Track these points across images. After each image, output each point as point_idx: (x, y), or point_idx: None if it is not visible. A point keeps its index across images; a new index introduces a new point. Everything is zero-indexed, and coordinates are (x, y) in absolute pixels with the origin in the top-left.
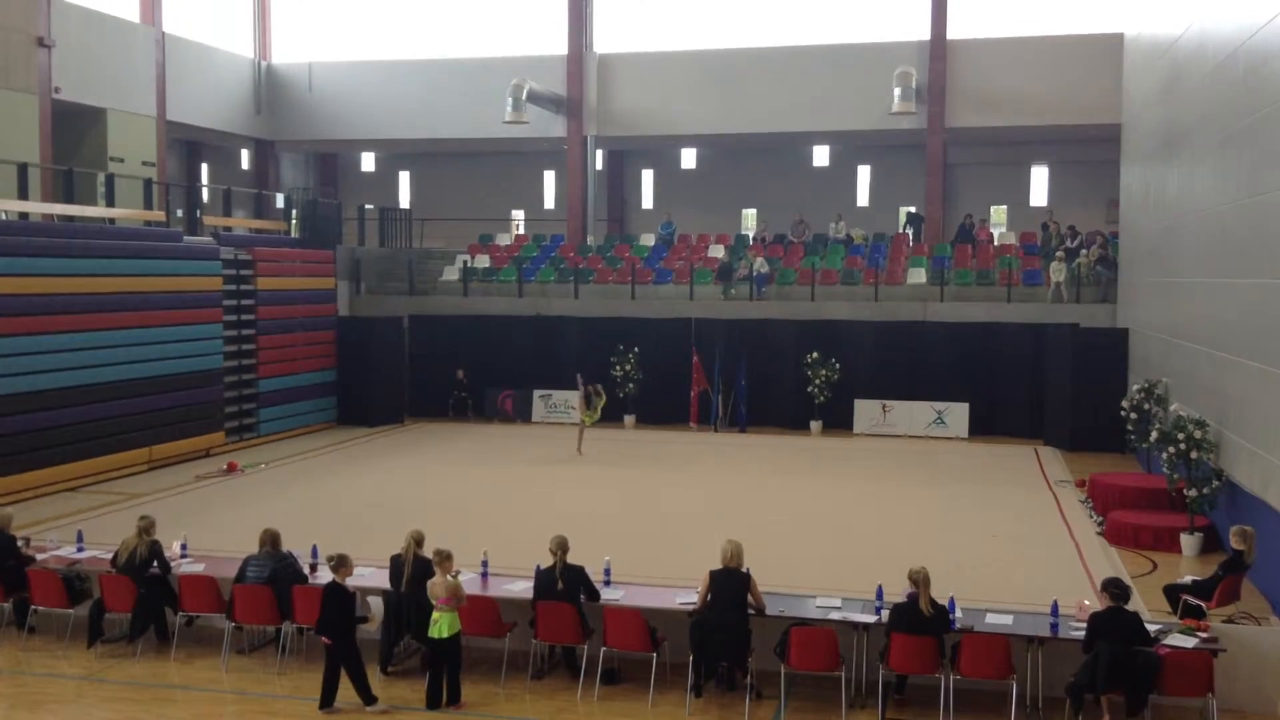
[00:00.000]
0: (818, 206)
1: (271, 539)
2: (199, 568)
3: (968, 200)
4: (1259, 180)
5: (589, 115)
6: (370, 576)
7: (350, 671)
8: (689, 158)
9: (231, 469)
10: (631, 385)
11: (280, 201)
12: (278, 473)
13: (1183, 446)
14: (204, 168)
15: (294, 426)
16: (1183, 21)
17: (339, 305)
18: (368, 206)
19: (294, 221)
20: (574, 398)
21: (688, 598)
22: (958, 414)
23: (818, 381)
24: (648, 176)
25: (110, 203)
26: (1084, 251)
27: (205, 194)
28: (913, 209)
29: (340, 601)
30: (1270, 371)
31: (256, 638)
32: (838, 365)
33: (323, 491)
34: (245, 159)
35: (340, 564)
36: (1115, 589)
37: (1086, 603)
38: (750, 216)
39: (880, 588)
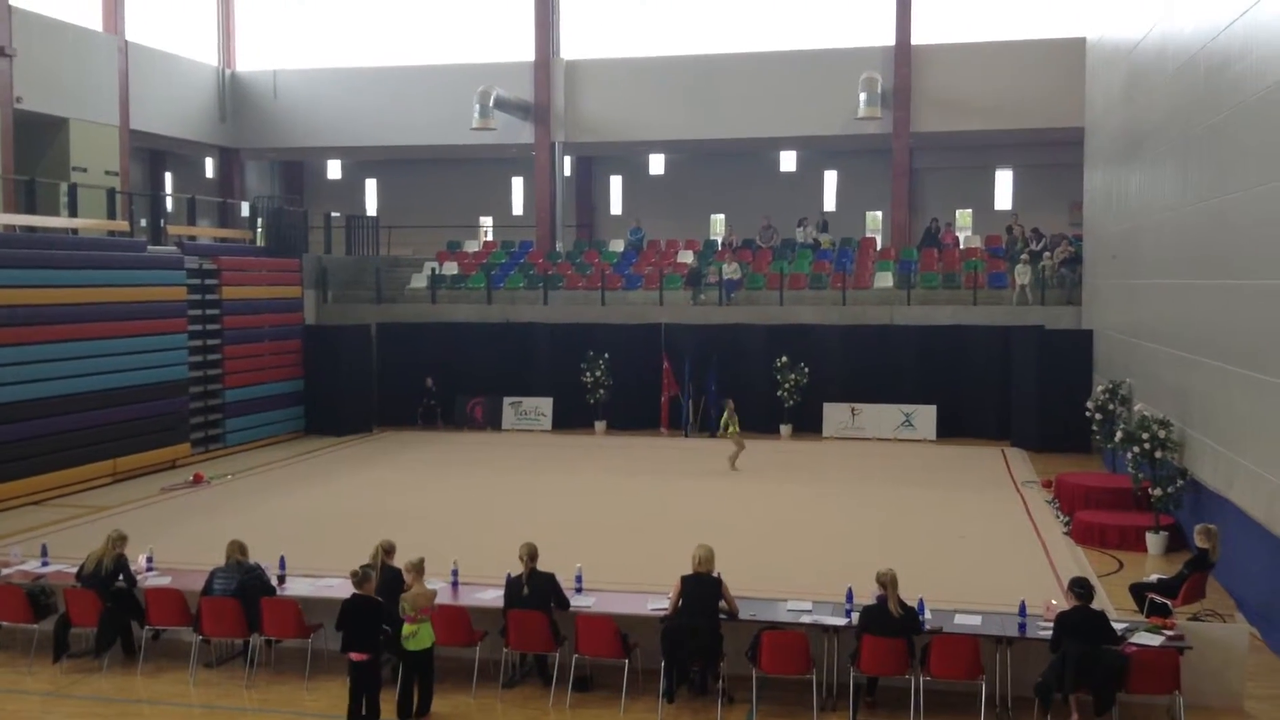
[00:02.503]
0: (785, 211)
1: (238, 550)
2: (165, 580)
3: (933, 204)
4: (1220, 182)
5: (557, 121)
6: (338, 587)
7: (372, 691)
8: (657, 163)
9: (198, 480)
10: (602, 391)
11: (245, 210)
12: (245, 484)
13: (1147, 446)
14: (168, 176)
15: (261, 437)
16: (1144, 26)
17: (305, 314)
18: (334, 214)
19: (259, 230)
20: (544, 404)
21: (659, 603)
22: (925, 416)
23: (787, 386)
24: (616, 182)
25: (73, 213)
26: (1048, 254)
27: (169, 203)
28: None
29: (370, 615)
30: (1232, 371)
31: (224, 651)
32: (807, 369)
33: (290, 502)
34: (210, 167)
35: (364, 579)
36: (1081, 588)
37: (1054, 602)
38: (718, 221)
39: (850, 590)
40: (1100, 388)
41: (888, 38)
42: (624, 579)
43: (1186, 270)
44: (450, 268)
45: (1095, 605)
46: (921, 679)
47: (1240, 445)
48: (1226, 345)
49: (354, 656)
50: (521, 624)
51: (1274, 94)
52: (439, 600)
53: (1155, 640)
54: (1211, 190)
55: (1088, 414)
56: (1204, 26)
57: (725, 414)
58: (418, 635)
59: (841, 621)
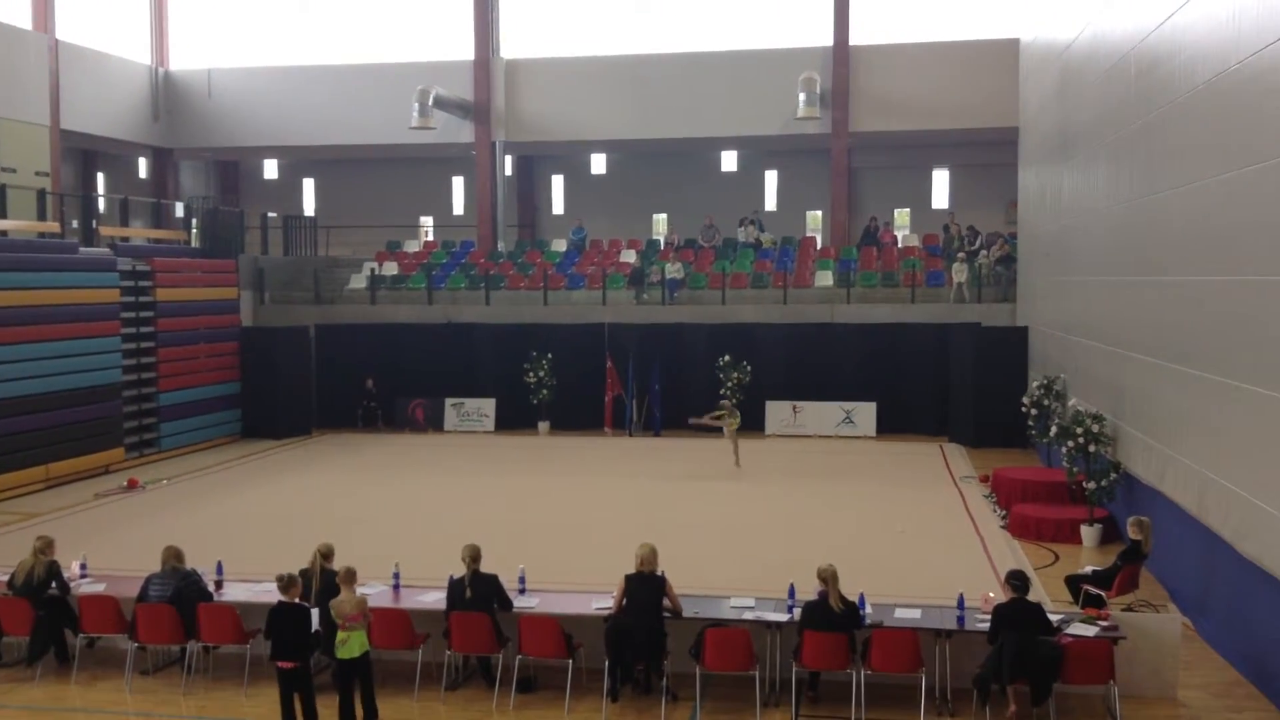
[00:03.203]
0: (727, 211)
1: (174, 556)
2: (99, 587)
3: (872, 203)
4: (1151, 180)
5: (497, 121)
6: (276, 592)
7: (307, 698)
8: (599, 163)
9: (132, 485)
10: (545, 391)
11: (180, 210)
12: (181, 488)
13: (1081, 440)
14: (100, 177)
15: (197, 441)
16: (1076, 26)
17: (242, 316)
18: (271, 214)
19: (194, 231)
20: (486, 405)
21: (603, 603)
22: (865, 413)
23: (730, 384)
24: (558, 182)
25: (2, 214)
26: (984, 252)
27: (101, 204)
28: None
29: (298, 622)
30: (1163, 366)
31: (160, 658)
32: (749, 368)
33: (227, 506)
34: (143, 167)
35: (290, 583)
36: (1017, 581)
37: (991, 595)
38: (661, 221)
39: (792, 586)
40: (1035, 383)
41: (826, 38)
42: (568, 579)
43: (1118, 268)
44: (390, 268)
45: (1031, 597)
46: (862, 673)
47: (1172, 439)
48: (1157, 341)
49: (282, 665)
50: (464, 626)
51: (1202, 94)
52: (378, 604)
53: (1090, 631)
54: (1142, 189)
55: (1023, 409)
56: (1134, 28)
57: (723, 412)
58: (348, 644)
59: (784, 617)
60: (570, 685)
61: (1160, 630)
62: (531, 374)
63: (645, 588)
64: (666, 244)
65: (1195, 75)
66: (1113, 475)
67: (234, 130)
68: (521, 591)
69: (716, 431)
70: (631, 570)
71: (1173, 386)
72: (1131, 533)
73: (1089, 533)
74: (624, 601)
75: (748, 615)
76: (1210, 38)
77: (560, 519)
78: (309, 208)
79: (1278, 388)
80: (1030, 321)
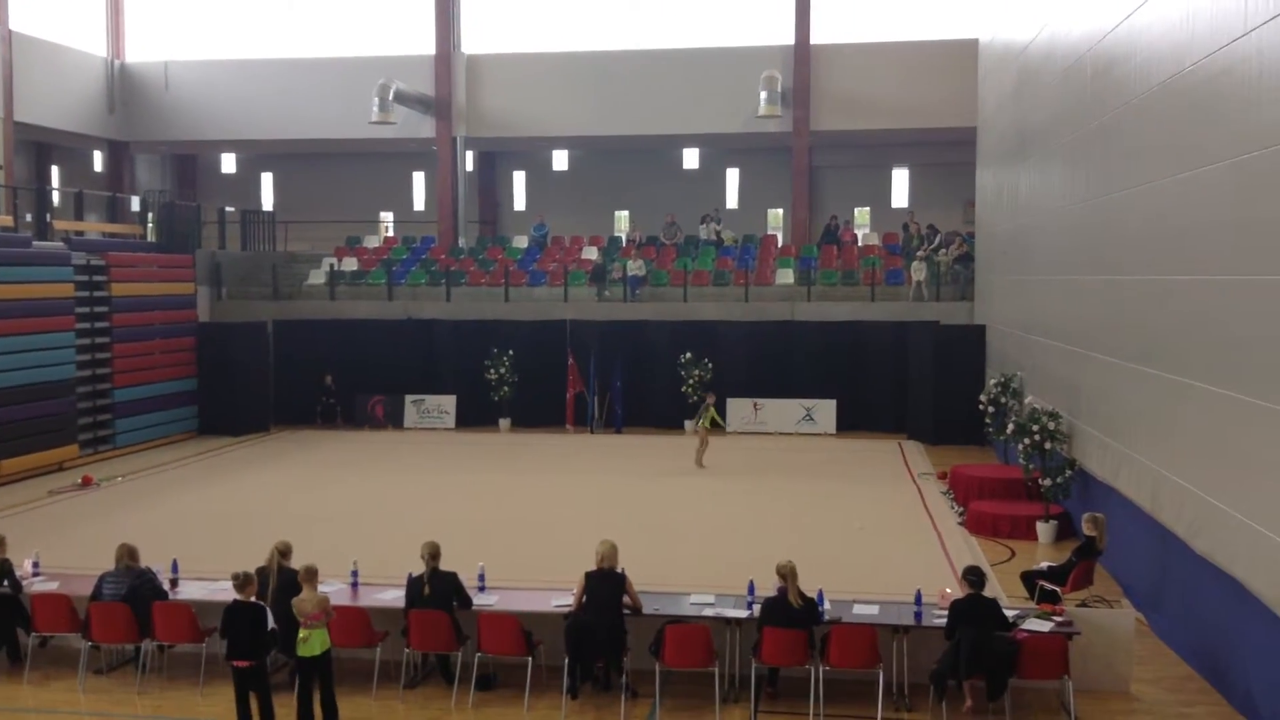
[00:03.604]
0: (689, 208)
1: (129, 554)
2: (52, 586)
3: (833, 202)
4: (1107, 181)
5: (458, 116)
6: (232, 591)
7: (263, 697)
8: (561, 159)
9: (86, 483)
10: (506, 388)
11: (136, 204)
12: (136, 486)
13: (1037, 438)
14: (54, 170)
15: (153, 438)
16: (1033, 27)
17: (199, 311)
18: (228, 209)
19: (150, 225)
20: (447, 402)
21: (563, 600)
22: (825, 410)
23: (691, 381)
24: (519, 178)
25: None
26: (943, 251)
27: (56, 197)
28: None
29: (252, 621)
30: (1119, 365)
31: (115, 657)
32: (710, 365)
33: (183, 504)
34: (99, 161)
35: (246, 582)
36: (973, 577)
37: (948, 591)
38: (623, 218)
39: (751, 583)
40: (993, 381)
41: (787, 37)
42: (528, 576)
43: (1074, 267)
44: (350, 264)
45: (987, 593)
46: (821, 669)
47: (1126, 436)
48: (1113, 340)
49: (237, 664)
50: (423, 624)
51: (1157, 96)
52: (336, 602)
53: (1045, 626)
54: (1098, 189)
55: (981, 407)
56: (1091, 29)
57: (704, 408)
58: (309, 642)
59: (743, 614)
60: (530, 683)
61: (1114, 625)
62: (492, 371)
63: (605, 585)
64: (628, 241)
65: (1151, 76)
66: (1068, 472)
67: (191, 123)
68: (481, 589)
69: (676, 428)
70: (592, 567)
71: (1128, 385)
72: (1086, 529)
73: (1045, 529)
74: (584, 599)
75: (707, 612)
76: (1165, 39)
77: (521, 516)
78: (267, 202)
79: (1230, 386)
80: (988, 320)
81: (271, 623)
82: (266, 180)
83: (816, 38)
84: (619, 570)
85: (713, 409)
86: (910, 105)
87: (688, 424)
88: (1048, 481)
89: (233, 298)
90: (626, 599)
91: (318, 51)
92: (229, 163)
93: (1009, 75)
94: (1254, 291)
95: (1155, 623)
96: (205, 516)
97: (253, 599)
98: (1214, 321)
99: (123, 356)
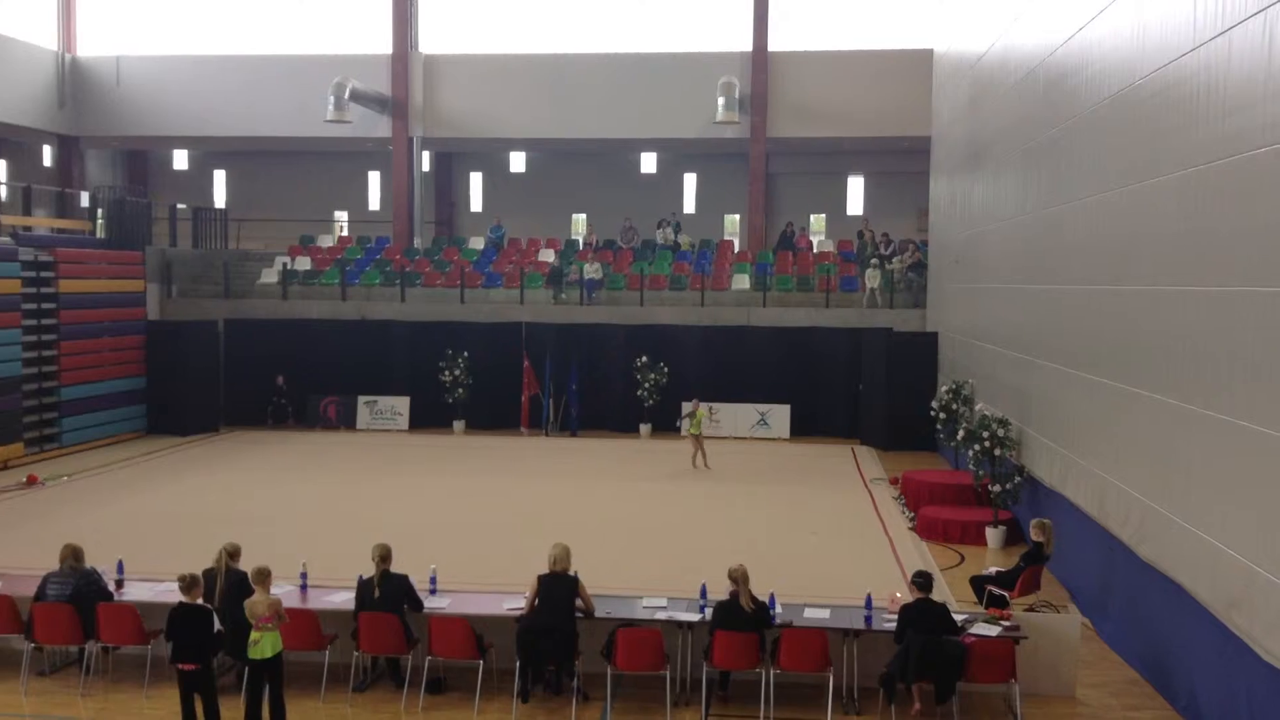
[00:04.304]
0: (646, 212)
1: (74, 554)
2: None
3: (789, 208)
4: (1056, 191)
5: (415, 116)
6: (177, 592)
7: (208, 700)
8: (518, 161)
9: (31, 482)
10: (461, 390)
11: (85, 200)
12: (82, 485)
13: (987, 444)
14: (2, 164)
15: (100, 436)
16: (987, 39)
17: (148, 309)
18: (180, 206)
19: (100, 221)
20: (400, 403)
21: (516, 603)
22: (780, 415)
23: (647, 385)
24: (476, 179)
25: None
26: (897, 259)
27: (3, 192)
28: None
29: (199, 623)
30: (1066, 372)
31: (58, 658)
32: (666, 369)
33: (130, 504)
34: (48, 155)
35: (193, 584)
36: (922, 581)
37: (898, 595)
38: (580, 221)
39: (704, 586)
40: (944, 388)
41: (745, 43)
42: (481, 579)
43: (1025, 276)
44: (303, 263)
45: (937, 597)
46: (772, 672)
47: (1074, 443)
48: (1061, 348)
49: (183, 667)
50: (373, 626)
51: (1107, 108)
52: (287, 604)
53: (993, 631)
54: (1048, 199)
55: (932, 413)
56: (1044, 42)
57: (692, 411)
58: (260, 644)
59: (695, 617)
60: (480, 686)
61: (1061, 630)
62: (447, 372)
63: (558, 588)
64: (585, 244)
65: (1102, 89)
66: (1017, 478)
67: (143, 119)
68: (433, 592)
69: (631, 432)
70: (545, 570)
71: (1075, 392)
72: (1034, 535)
73: (994, 534)
74: (536, 602)
75: (660, 615)
76: (1117, 53)
77: (474, 519)
78: (220, 200)
79: (1174, 395)
80: (940, 327)
81: (218, 625)
82: (219, 177)
83: (774, 45)
84: (572, 573)
85: (702, 412)
86: (866, 114)
87: (681, 425)
88: (997, 487)
89: (183, 296)
90: (579, 602)
91: (273, 49)
92: (181, 159)
93: (963, 86)
94: (1198, 302)
95: (1101, 627)
96: (152, 517)
97: (199, 601)
98: (1159, 331)
99: (70, 354)
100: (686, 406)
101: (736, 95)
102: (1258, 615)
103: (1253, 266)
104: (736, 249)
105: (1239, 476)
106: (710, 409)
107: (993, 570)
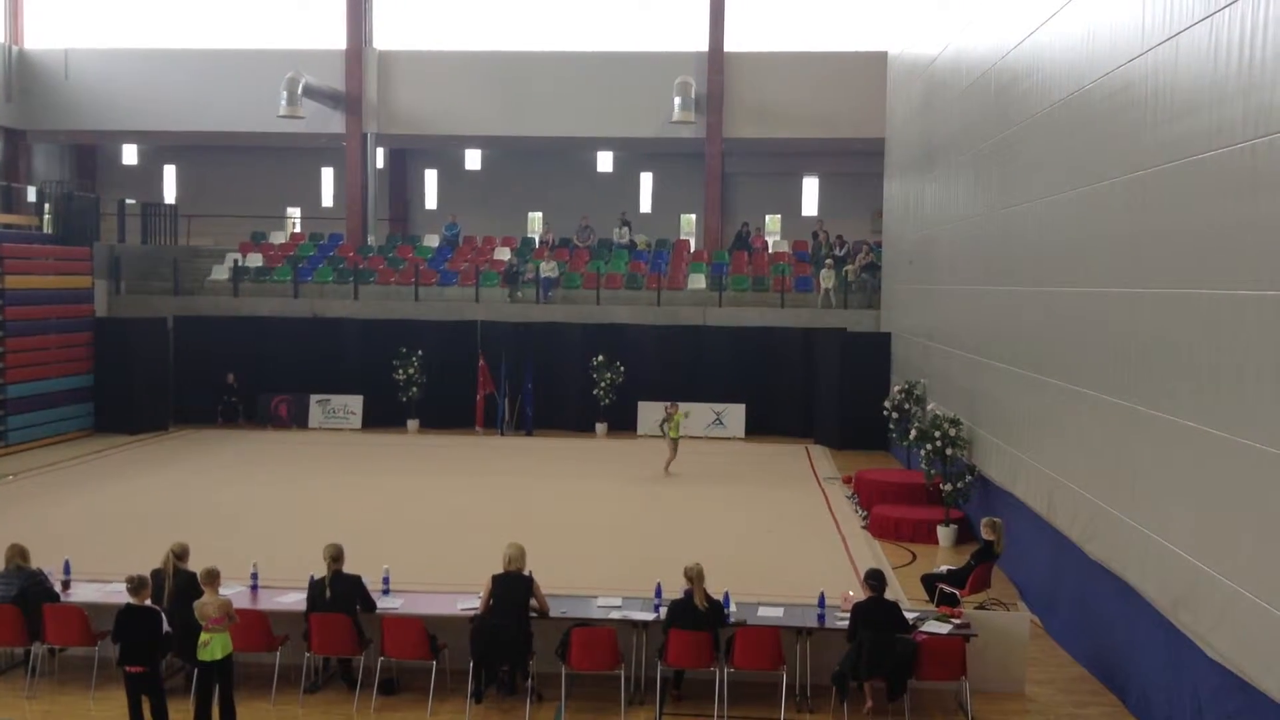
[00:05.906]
0: (603, 211)
1: (19, 554)
2: None
3: (744, 209)
4: (1008, 193)
5: (369, 112)
6: (124, 593)
7: (156, 702)
8: (473, 159)
9: None
10: (415, 389)
11: (32, 195)
12: (28, 484)
13: (939, 443)
14: None
15: (46, 435)
16: (940, 42)
17: (96, 306)
18: (129, 201)
19: (47, 216)
20: (353, 402)
21: (470, 603)
22: (735, 415)
23: (603, 384)
24: (431, 176)
25: None
26: (851, 260)
27: None
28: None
29: (147, 625)
30: (1017, 373)
31: (3, 660)
32: (622, 368)
33: (77, 504)
34: None
35: (140, 586)
36: (874, 580)
37: (851, 593)
38: (536, 220)
39: (659, 585)
40: (897, 388)
41: (701, 44)
42: (434, 579)
43: (976, 277)
44: (254, 259)
45: (888, 596)
46: (726, 670)
47: (1024, 443)
48: (1011, 348)
49: (130, 669)
50: (324, 627)
51: (1056, 111)
52: (237, 605)
53: (944, 629)
54: (999, 201)
55: (885, 413)
56: (995, 45)
57: (669, 415)
58: (210, 646)
59: (649, 616)
60: (434, 687)
61: (1010, 628)
62: (401, 371)
63: (512, 588)
64: (541, 243)
65: (1052, 93)
66: (968, 478)
67: (92, 113)
68: (386, 592)
69: (587, 431)
70: (499, 570)
71: (1025, 392)
72: (984, 533)
73: (945, 533)
74: (490, 602)
75: (614, 614)
76: (1066, 57)
77: (427, 519)
78: (170, 195)
79: (1121, 395)
80: (893, 328)
81: (167, 626)
82: (169, 173)
83: (730, 45)
84: (526, 573)
85: (679, 415)
86: (821, 115)
87: (666, 426)
88: (949, 486)
89: (132, 292)
90: (534, 602)
91: (225, 42)
92: (130, 154)
93: (917, 88)
94: (1144, 303)
95: (1050, 625)
96: (100, 517)
97: (147, 603)
98: (1105, 331)
99: (15, 351)
100: (664, 409)
101: (693, 95)
102: (1203, 613)
103: (1198, 270)
104: (692, 249)
105: (1184, 476)
106: (685, 413)
107: (944, 568)
